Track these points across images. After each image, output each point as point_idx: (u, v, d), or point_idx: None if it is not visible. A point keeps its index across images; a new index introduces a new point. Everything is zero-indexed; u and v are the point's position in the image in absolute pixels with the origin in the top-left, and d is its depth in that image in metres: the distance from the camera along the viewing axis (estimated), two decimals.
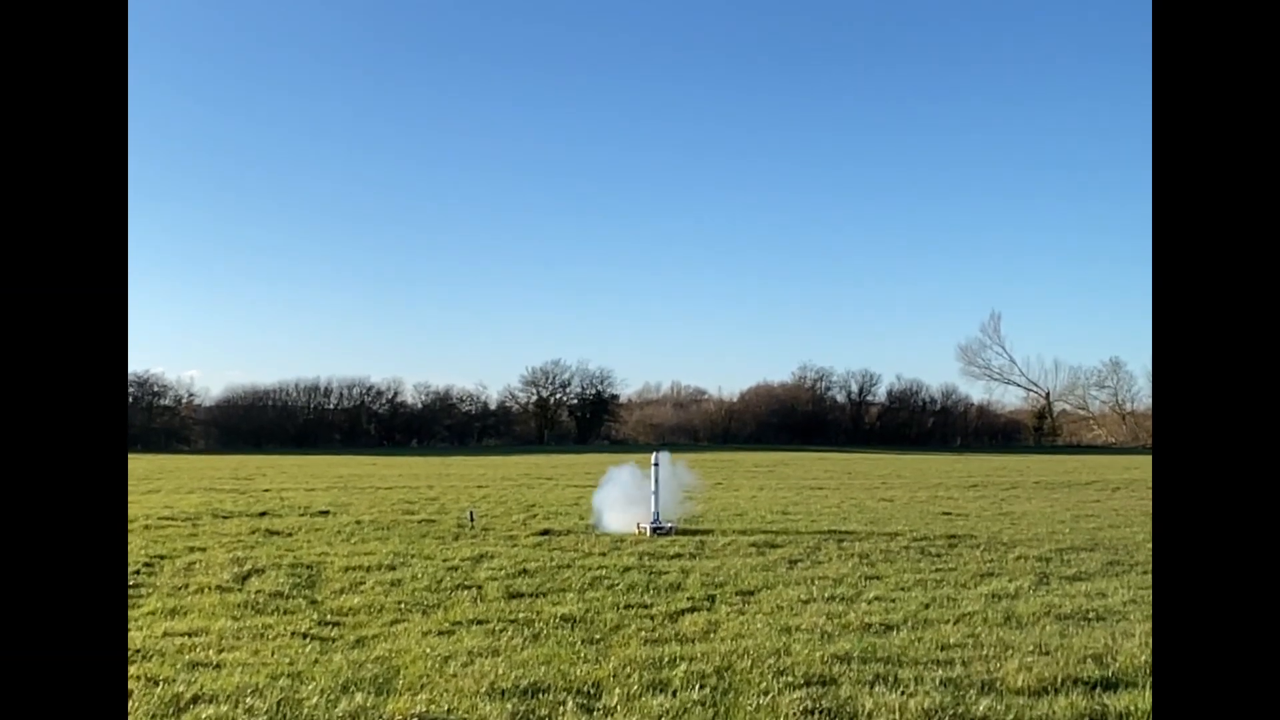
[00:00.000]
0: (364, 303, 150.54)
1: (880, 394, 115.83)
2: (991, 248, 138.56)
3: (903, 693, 7.71)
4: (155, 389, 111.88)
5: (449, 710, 7.14)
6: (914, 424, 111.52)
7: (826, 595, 12.22)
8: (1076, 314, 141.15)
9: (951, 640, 9.63)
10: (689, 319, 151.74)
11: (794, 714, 7.17)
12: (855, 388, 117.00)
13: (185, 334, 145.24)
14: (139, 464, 54.49)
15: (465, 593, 12.24)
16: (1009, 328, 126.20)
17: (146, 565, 14.14)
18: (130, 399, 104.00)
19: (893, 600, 11.95)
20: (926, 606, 11.54)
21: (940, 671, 8.39)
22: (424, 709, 7.09)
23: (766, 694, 7.66)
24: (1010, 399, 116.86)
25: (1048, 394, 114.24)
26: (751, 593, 12.44)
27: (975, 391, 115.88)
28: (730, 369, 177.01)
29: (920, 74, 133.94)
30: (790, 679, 8.09)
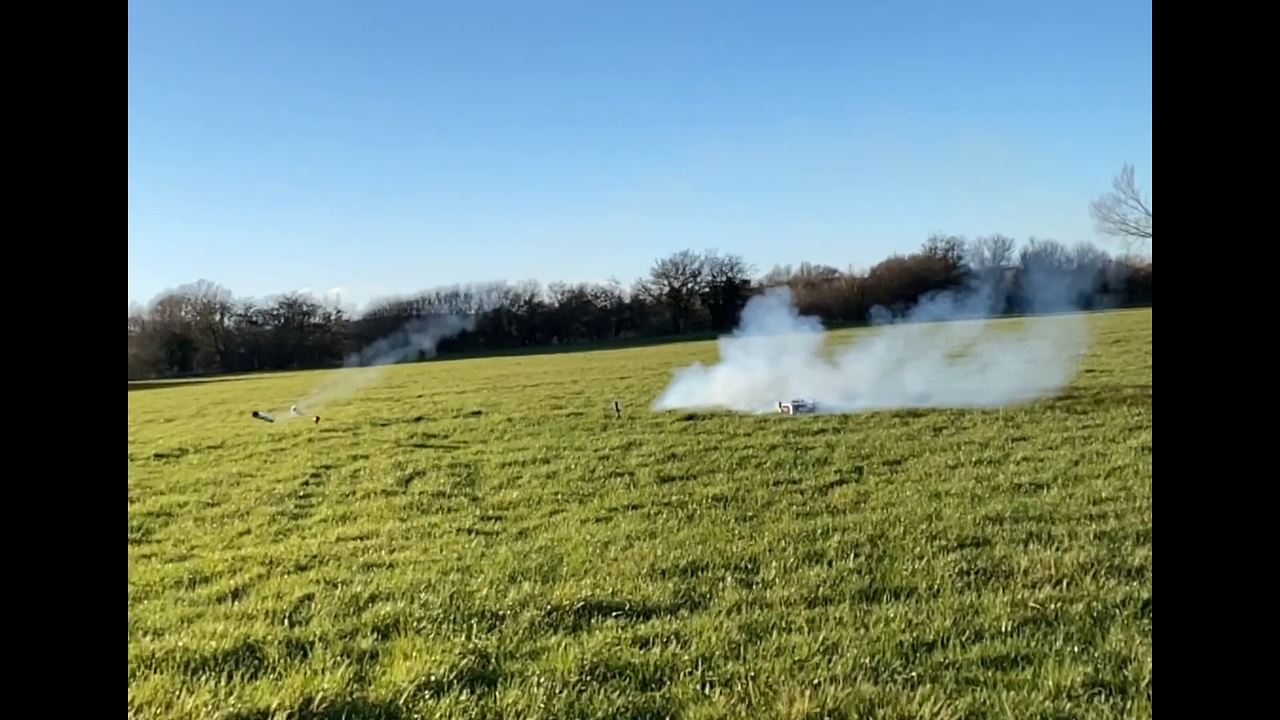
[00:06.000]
0: (496, 206, 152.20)
1: (1014, 258, 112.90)
2: (1120, 99, 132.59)
3: (1057, 549, 7.75)
4: (304, 309, 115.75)
5: (613, 593, 7.42)
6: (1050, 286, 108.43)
7: (974, 459, 12.22)
8: None
9: (1103, 495, 9.59)
10: (811, 196, 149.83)
11: (949, 576, 7.27)
12: (988, 254, 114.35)
13: (326, 253, 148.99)
14: (295, 381, 56.49)
15: (618, 480, 12.58)
16: (1143, 180, 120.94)
17: (314, 475, 14.79)
18: (281, 320, 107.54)
19: (1041, 460, 11.90)
20: (1076, 463, 11.47)
21: (1094, 526, 8.39)
22: (589, 594, 7.37)
23: (921, 558, 7.78)
24: (1149, 252, 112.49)
25: None
26: (898, 462, 12.52)
27: (1112, 248, 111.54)
28: (860, 244, 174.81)
29: None
30: (943, 542, 8.20)
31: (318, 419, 22.14)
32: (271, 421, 22.73)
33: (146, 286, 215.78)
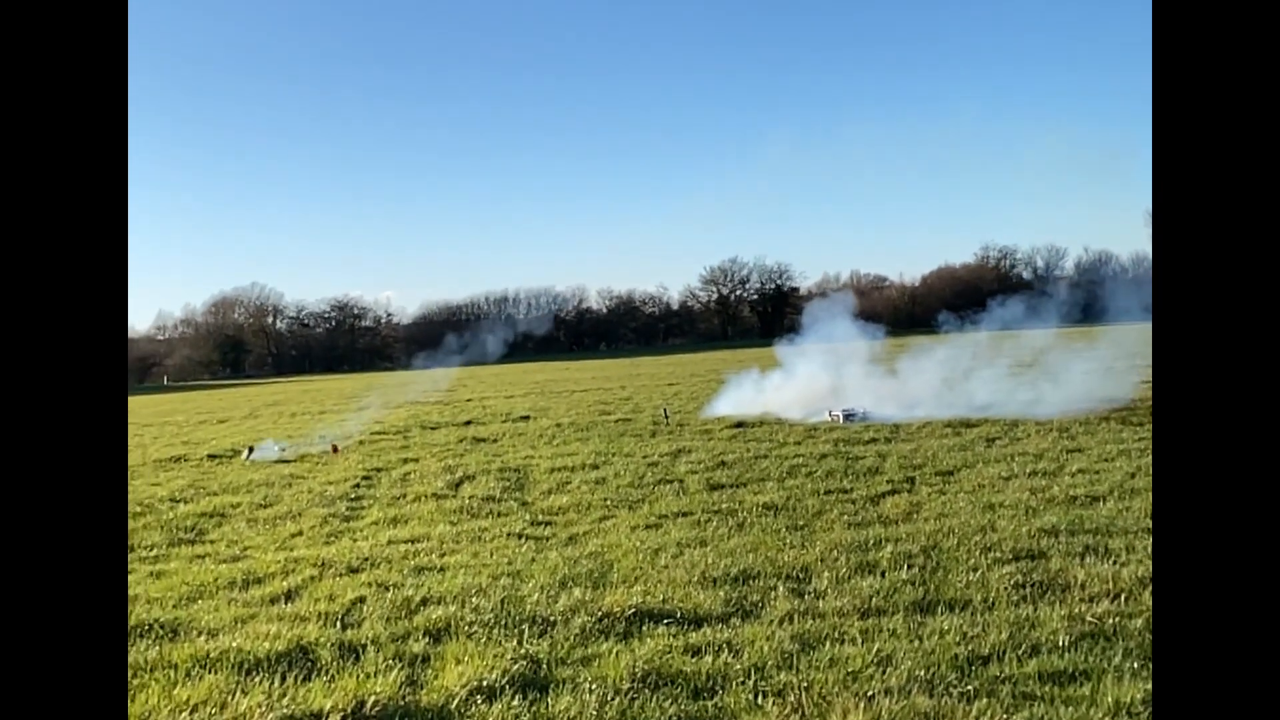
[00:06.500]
0: (545, 212, 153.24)
1: (1068, 267, 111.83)
2: None
3: (1115, 562, 7.64)
4: (355, 311, 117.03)
5: (664, 600, 7.39)
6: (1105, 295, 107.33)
7: (1028, 471, 12.09)
8: None
9: None
10: (862, 204, 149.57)
11: (1005, 588, 7.18)
12: (1041, 263, 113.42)
13: (377, 256, 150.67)
14: (346, 384, 56.95)
15: (668, 487, 12.55)
16: None
17: (365, 478, 14.90)
18: (332, 323, 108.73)
19: (1096, 472, 11.75)
20: (1132, 475, 11.31)
21: (1151, 540, 8.26)
22: (640, 601, 7.34)
23: (975, 570, 7.69)
24: None
25: None
26: (951, 472, 12.40)
27: None
28: (910, 252, 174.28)
29: None
30: (998, 554, 8.10)
31: (335, 448, 19.01)
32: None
33: (200, 288, 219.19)
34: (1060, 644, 6.05)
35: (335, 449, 18.80)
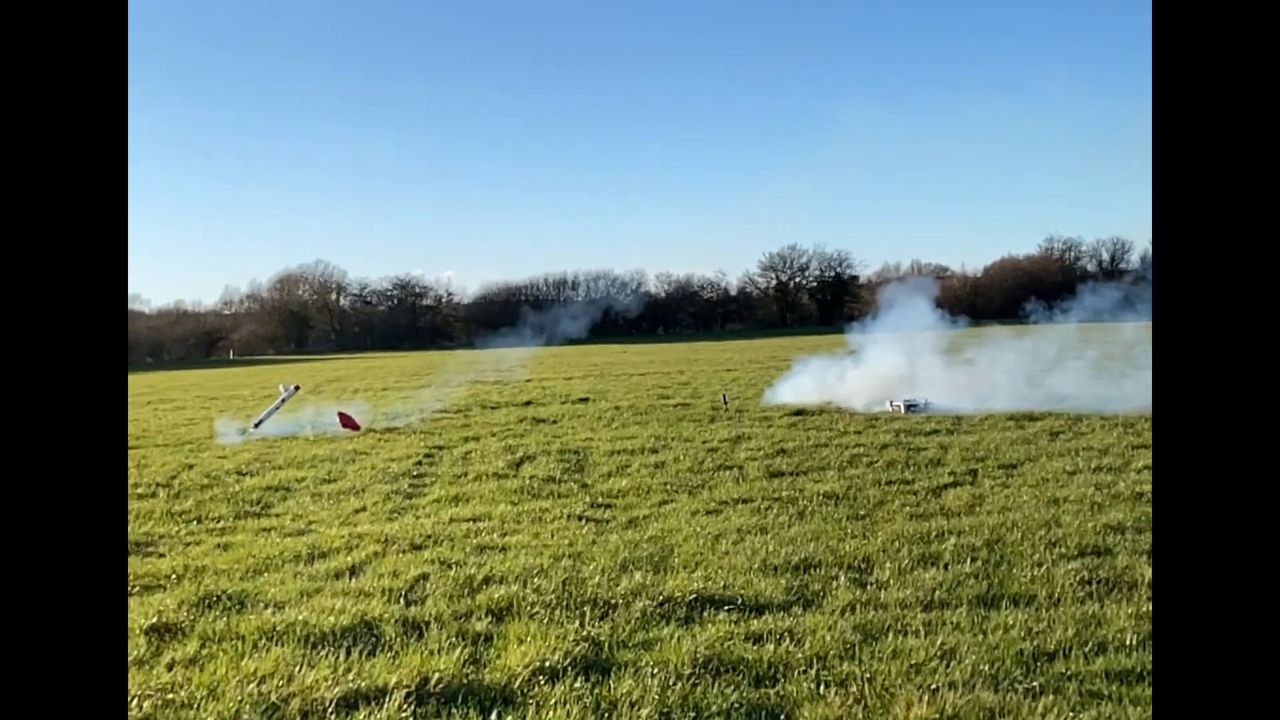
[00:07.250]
0: (602, 196, 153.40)
1: (1134, 261, 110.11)
2: None
3: None
4: (417, 290, 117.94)
5: (725, 586, 7.39)
6: None
7: (1093, 466, 11.94)
8: None
9: None
10: (924, 192, 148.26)
11: (1070, 585, 7.11)
12: (1106, 257, 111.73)
13: (438, 236, 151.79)
14: (408, 361, 57.38)
15: (727, 473, 12.53)
16: None
17: (427, 456, 15.02)
18: (394, 301, 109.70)
19: None
20: None
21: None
22: (701, 586, 7.35)
23: (1040, 565, 7.62)
24: None
25: None
26: (1014, 466, 12.27)
27: None
28: (972, 243, 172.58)
29: None
30: (1063, 550, 8.01)
31: (351, 421, 19.30)
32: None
33: (267, 265, 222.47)
34: (1128, 643, 5.97)
35: (352, 424, 18.99)
